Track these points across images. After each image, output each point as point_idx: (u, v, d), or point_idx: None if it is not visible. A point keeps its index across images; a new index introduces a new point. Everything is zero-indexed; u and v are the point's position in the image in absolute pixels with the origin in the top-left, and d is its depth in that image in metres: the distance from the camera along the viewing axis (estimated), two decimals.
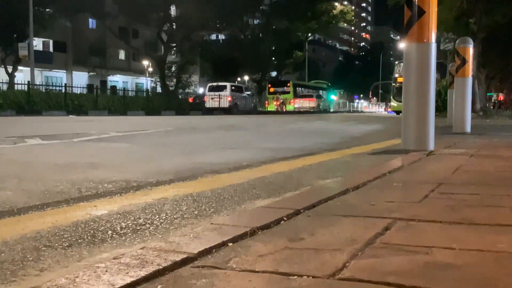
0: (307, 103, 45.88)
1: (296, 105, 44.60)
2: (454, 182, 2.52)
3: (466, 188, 2.31)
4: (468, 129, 7.01)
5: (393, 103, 34.43)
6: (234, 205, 2.26)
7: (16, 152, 4.83)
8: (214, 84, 35.89)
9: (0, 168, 3.58)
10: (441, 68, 19.45)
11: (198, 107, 32.41)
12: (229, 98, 33.07)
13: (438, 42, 18.43)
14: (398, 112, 30.19)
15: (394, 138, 6.59)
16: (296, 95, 46.21)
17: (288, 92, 45.08)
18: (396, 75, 34.60)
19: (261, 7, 49.59)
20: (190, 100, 36.30)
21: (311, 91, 49.45)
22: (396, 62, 36.56)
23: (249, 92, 39.59)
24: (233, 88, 35.24)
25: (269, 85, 47.05)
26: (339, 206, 1.88)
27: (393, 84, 35.14)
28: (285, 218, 1.63)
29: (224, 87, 34.22)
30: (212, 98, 32.86)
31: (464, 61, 6.82)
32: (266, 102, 44.87)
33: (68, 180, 2.94)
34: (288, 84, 46.38)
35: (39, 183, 2.85)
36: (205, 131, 9.43)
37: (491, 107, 32.32)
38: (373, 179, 2.52)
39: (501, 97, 51.31)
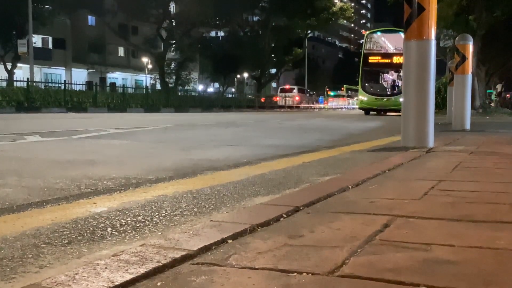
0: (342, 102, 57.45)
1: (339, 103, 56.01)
2: (454, 179, 2.52)
3: (466, 185, 2.31)
4: (467, 126, 7.02)
5: (362, 97, 24.88)
6: (233, 202, 2.26)
7: (15, 149, 4.83)
8: (285, 87, 49.48)
9: None
10: (441, 65, 19.42)
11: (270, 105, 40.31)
12: (297, 98, 45.25)
13: (437, 39, 18.35)
14: (368, 110, 24.48)
15: (394, 135, 6.59)
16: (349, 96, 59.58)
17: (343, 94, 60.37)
18: (366, 51, 25.68)
19: (260, 4, 49.51)
20: (263, 100, 43.54)
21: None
22: (367, 33, 27.57)
23: (311, 93, 53.76)
24: (299, 90, 48.17)
25: (327, 90, 63.66)
26: (338, 203, 1.88)
27: (361, 67, 25.40)
28: (284, 215, 1.63)
29: (293, 89, 47.88)
30: (283, 98, 44.50)
31: (463, 58, 6.81)
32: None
33: (67, 177, 2.94)
34: (343, 88, 63.59)
35: (38, 180, 2.85)
36: (205, 127, 9.43)
37: (491, 105, 31.97)
38: (373, 176, 2.52)
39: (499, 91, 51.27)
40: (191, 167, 3.45)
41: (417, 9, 3.95)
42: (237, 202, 2.25)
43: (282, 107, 41.91)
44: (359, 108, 25.66)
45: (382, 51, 25.97)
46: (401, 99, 19.27)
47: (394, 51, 25.03)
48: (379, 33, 26.99)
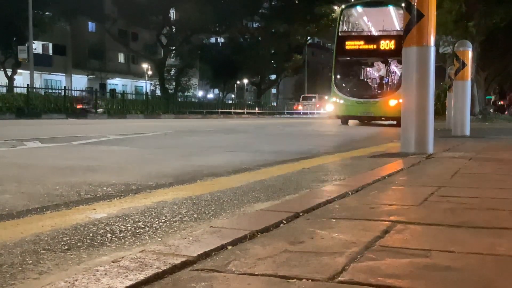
0: None
1: None
2: (454, 185, 2.52)
3: (466, 191, 2.31)
4: (467, 132, 7.02)
5: (335, 100, 16.88)
6: (233, 208, 2.26)
7: (15, 155, 4.83)
8: (306, 95, 51.69)
9: None
10: (441, 71, 19.41)
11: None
12: (317, 105, 47.55)
13: (437, 45, 18.27)
14: (345, 119, 17.07)
15: (393, 141, 6.60)
16: None
17: None
18: (341, 34, 17.25)
19: (260, 11, 49.66)
20: (295, 107, 47.62)
21: None
22: (343, 7, 18.40)
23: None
24: (319, 97, 49.89)
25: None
26: (338, 209, 1.88)
27: (335, 56, 17.33)
28: (284, 221, 1.63)
29: (314, 97, 49.99)
30: (304, 105, 47.36)
31: (463, 65, 6.83)
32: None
33: (67, 183, 2.94)
34: None
35: (38, 186, 2.85)
36: (205, 134, 9.43)
37: (491, 110, 31.93)
38: (373, 182, 2.52)
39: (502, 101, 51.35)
40: (191, 173, 3.45)
41: (416, 15, 3.96)
42: (237, 208, 2.25)
43: (305, 113, 44.84)
44: (335, 116, 17.32)
45: (365, 34, 18.53)
46: (393, 102, 14.59)
47: (382, 33, 17.39)
48: (359, 8, 18.37)
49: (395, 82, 17.91)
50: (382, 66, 19.38)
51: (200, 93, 53.55)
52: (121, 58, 54.48)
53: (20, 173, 3.47)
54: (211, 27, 43.17)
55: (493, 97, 48.19)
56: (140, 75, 51.59)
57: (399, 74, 17.38)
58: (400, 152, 4.17)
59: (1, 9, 28.98)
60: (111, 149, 5.80)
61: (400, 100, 12.29)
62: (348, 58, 17.39)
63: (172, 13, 43.39)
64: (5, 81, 29.58)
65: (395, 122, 14.87)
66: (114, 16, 39.68)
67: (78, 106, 22.68)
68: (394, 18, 17.85)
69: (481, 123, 16.52)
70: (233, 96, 59.67)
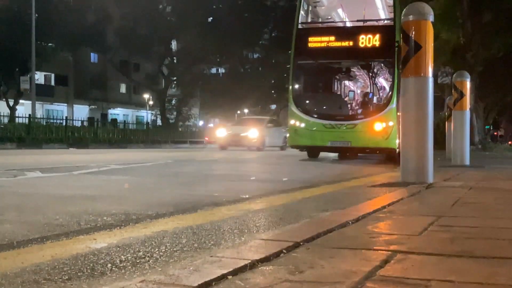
0: None
1: None
2: (454, 214, 2.52)
3: (466, 220, 2.32)
4: (467, 161, 7.03)
5: (294, 122, 11.48)
6: (233, 237, 2.26)
7: (16, 185, 4.83)
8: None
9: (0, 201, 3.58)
10: (439, 101, 19.52)
11: None
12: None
13: (435, 75, 18.38)
14: (311, 150, 12.50)
15: (393, 170, 6.60)
16: None
17: None
18: (301, 27, 12.03)
19: (260, 42, 50.30)
20: None
21: None
22: None
23: None
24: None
25: None
26: (338, 238, 1.88)
27: (293, 58, 11.94)
28: (284, 251, 1.63)
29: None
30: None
31: (461, 95, 6.89)
32: None
33: (67, 212, 2.94)
34: None
35: (38, 215, 2.85)
36: (205, 163, 9.45)
37: (490, 139, 31.97)
38: (373, 212, 2.52)
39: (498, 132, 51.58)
40: (191, 202, 3.46)
41: (414, 47, 4.03)
42: (237, 238, 2.25)
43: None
44: (292, 146, 12.36)
45: (337, 25, 13.34)
46: (379, 125, 10.79)
47: (362, 23, 12.18)
48: None
49: (383, 96, 12.90)
50: (363, 72, 13.79)
51: (201, 123, 53.79)
52: (123, 88, 54.92)
53: (21, 202, 3.47)
54: (212, 58, 43.68)
55: (488, 127, 48.49)
56: (141, 105, 51.93)
57: (389, 84, 12.07)
58: (400, 182, 4.17)
59: (5, 40, 29.38)
60: (111, 178, 5.81)
61: (391, 123, 10.31)
62: (312, 62, 11.85)
63: (174, 44, 43.97)
64: (7, 111, 29.78)
65: (393, 156, 10.19)
66: (116, 47, 40.21)
67: None
68: (379, 2, 13.11)
69: (481, 152, 16.55)
70: None
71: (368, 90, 14.65)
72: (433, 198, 3.23)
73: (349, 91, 14.89)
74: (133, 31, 36.24)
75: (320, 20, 13.49)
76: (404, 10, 4.21)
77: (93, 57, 49.38)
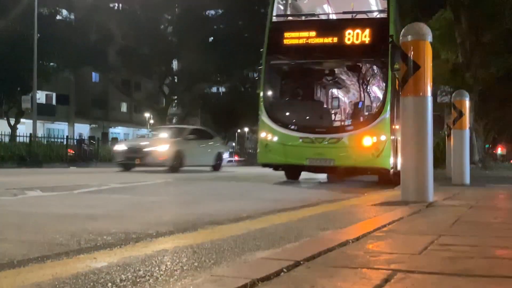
0: None
1: None
2: (454, 233, 2.52)
3: (466, 239, 2.32)
4: (467, 180, 7.03)
5: (265, 135, 9.49)
6: (234, 256, 2.26)
7: (16, 204, 4.83)
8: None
9: (0, 220, 3.58)
10: (439, 120, 19.57)
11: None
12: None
13: (434, 95, 18.45)
14: (286, 168, 10.28)
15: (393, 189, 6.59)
16: None
17: None
18: (276, 21, 10.08)
19: (260, 61, 50.64)
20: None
21: None
22: None
23: None
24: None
25: None
26: (339, 257, 1.88)
27: (265, 58, 9.85)
28: (285, 270, 1.63)
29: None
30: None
31: (460, 114, 6.92)
32: None
33: (67, 231, 2.94)
34: None
35: (38, 234, 2.85)
36: (205, 182, 9.44)
37: (491, 158, 31.94)
38: (373, 230, 2.52)
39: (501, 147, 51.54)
40: (191, 221, 3.46)
41: (412, 67, 4.07)
42: (237, 257, 2.25)
43: None
44: (263, 165, 9.97)
45: (317, 18, 11.31)
46: (369, 140, 8.82)
47: (347, 16, 10.35)
48: None
49: (373, 104, 11.21)
50: (350, 75, 11.49)
51: None
52: (124, 107, 55.13)
53: (21, 221, 3.47)
54: (213, 77, 43.92)
55: (488, 146, 48.55)
56: (142, 123, 52.05)
57: (382, 89, 10.23)
58: (400, 201, 4.17)
59: (7, 59, 29.59)
60: (111, 197, 5.81)
61: (383, 137, 8.71)
62: (288, 62, 10.09)
63: (175, 64, 44.26)
64: (8, 130, 29.84)
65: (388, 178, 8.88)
66: (117, 66, 40.49)
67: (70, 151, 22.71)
68: None
69: (481, 171, 16.53)
70: (234, 144, 59.96)
71: (356, 96, 12.19)
72: (434, 217, 3.23)
73: (333, 97, 12.53)
74: (135, 50, 36.51)
75: (296, 11, 10.99)
76: (403, 30, 4.26)
77: (95, 76, 49.66)
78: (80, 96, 48.29)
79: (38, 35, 25.47)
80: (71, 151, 22.88)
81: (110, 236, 2.79)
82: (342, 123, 11.02)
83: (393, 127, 8.95)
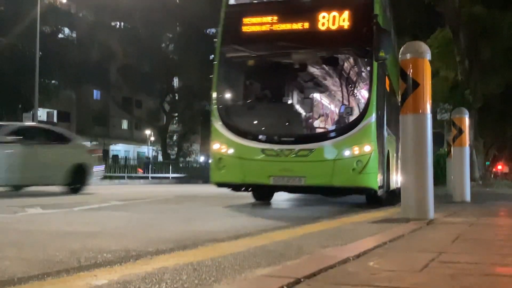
0: None
1: None
2: (455, 250, 2.52)
3: (467, 256, 2.31)
4: (467, 197, 7.02)
5: (219, 147, 7.53)
6: (234, 273, 2.25)
7: (16, 221, 4.83)
8: None
9: (0, 237, 3.57)
10: (439, 137, 19.60)
11: None
12: None
13: (434, 112, 18.51)
14: (256, 190, 8.31)
15: (394, 206, 6.59)
16: None
17: None
18: (231, 2, 8.16)
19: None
20: None
21: None
22: None
23: None
24: None
25: None
26: (339, 274, 1.88)
27: (219, 52, 7.88)
28: (285, 287, 1.63)
29: None
30: None
31: (460, 131, 6.94)
32: None
33: (67, 249, 2.94)
34: None
35: (38, 252, 2.85)
36: (205, 198, 9.43)
37: (491, 175, 31.88)
38: (374, 248, 2.52)
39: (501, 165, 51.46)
40: (191, 238, 3.45)
41: (412, 84, 4.10)
42: (238, 274, 2.24)
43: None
44: (217, 184, 7.82)
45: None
46: (348, 151, 6.77)
47: None
48: None
49: (355, 105, 8.62)
50: (324, 69, 9.20)
51: (201, 158, 53.88)
52: (124, 124, 55.25)
53: (21, 239, 3.46)
54: None
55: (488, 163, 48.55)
56: (143, 140, 52.14)
57: (365, 86, 8.52)
58: (401, 218, 4.17)
59: (9, 77, 29.78)
60: (111, 214, 5.80)
61: (368, 148, 6.83)
62: (247, 55, 8.06)
63: (176, 81, 44.50)
64: None
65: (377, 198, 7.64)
66: (118, 84, 40.69)
67: None
68: None
69: (482, 188, 16.51)
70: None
71: (333, 96, 10.26)
72: (434, 234, 3.22)
73: (304, 98, 9.69)
74: (136, 68, 36.77)
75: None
76: (402, 48, 4.30)
77: (96, 94, 49.88)
78: (81, 114, 48.44)
79: (40, 53, 25.65)
80: None
81: (110, 254, 2.79)
82: (315, 131, 8.75)
83: (381, 134, 7.49)
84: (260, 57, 8.12)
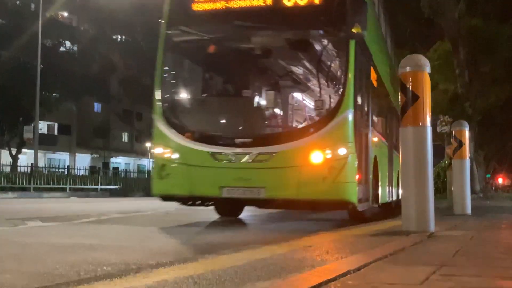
0: None
1: None
2: (455, 263, 2.51)
3: (467, 270, 2.31)
4: (468, 210, 7.01)
5: (162, 149, 6.18)
6: (234, 287, 2.25)
7: (16, 234, 4.82)
8: None
9: (0, 250, 3.56)
10: (439, 149, 19.60)
11: None
12: None
13: (434, 125, 18.54)
14: (219, 204, 7.08)
15: (395, 219, 6.57)
16: None
17: None
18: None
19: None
20: None
21: None
22: None
23: None
24: None
25: None
26: None
27: (165, 37, 6.52)
28: None
29: None
30: None
31: (460, 144, 6.95)
32: None
33: (67, 262, 2.93)
34: None
35: (38, 265, 2.84)
36: (206, 211, 9.40)
37: (492, 188, 31.84)
38: (374, 261, 2.51)
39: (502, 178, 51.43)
40: (192, 251, 3.44)
41: (411, 97, 4.11)
42: (238, 287, 2.23)
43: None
44: (162, 197, 6.40)
45: None
46: (319, 156, 5.45)
47: None
48: None
49: (327, 99, 6.74)
50: (290, 55, 7.40)
51: None
52: (125, 137, 55.32)
53: (21, 252, 3.46)
54: None
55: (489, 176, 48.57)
56: (143, 153, 52.15)
57: (339, 74, 6.46)
58: (402, 231, 4.15)
59: (10, 89, 29.90)
60: (111, 227, 5.79)
61: (343, 151, 5.43)
62: (197, 38, 6.62)
63: None
64: (9, 160, 29.91)
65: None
66: (119, 96, 40.82)
67: None
68: None
69: (483, 201, 16.47)
70: None
71: (300, 87, 8.15)
72: (435, 247, 3.22)
73: (265, 90, 7.58)
74: (137, 80, 36.91)
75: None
76: (402, 61, 4.33)
77: (97, 106, 50.02)
78: (82, 126, 48.54)
79: (41, 66, 25.79)
80: None
81: (110, 267, 2.78)
82: (277, 130, 7.00)
83: (362, 135, 6.32)
84: (212, 40, 6.67)
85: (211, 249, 3.55)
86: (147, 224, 6.32)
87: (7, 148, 35.17)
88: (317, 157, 5.69)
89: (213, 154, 5.95)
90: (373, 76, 7.50)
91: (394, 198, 9.92)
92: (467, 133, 7.08)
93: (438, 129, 19.02)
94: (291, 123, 7.71)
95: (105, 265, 2.84)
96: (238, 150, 5.92)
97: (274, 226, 6.52)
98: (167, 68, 6.67)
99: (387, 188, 8.75)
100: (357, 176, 5.82)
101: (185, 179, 6.03)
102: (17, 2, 33.79)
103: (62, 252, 3.45)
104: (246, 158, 5.84)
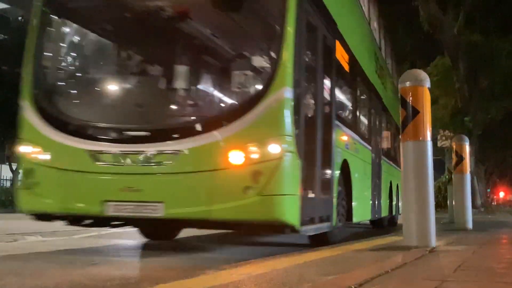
0: None
1: None
2: (458, 278, 2.50)
3: (469, 285, 2.30)
4: (469, 225, 6.99)
5: (30, 148, 4.56)
6: None
7: (16, 249, 4.80)
8: None
9: (0, 266, 3.55)
10: (440, 164, 19.60)
11: None
12: None
13: (434, 139, 18.57)
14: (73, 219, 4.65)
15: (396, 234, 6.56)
16: None
17: None
18: None
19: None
20: None
21: None
22: None
23: None
24: None
25: None
26: None
27: (37, 18, 4.76)
28: None
29: None
30: None
31: (461, 158, 6.95)
32: None
33: (68, 277, 2.92)
34: None
35: (38, 281, 2.83)
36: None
37: (493, 202, 31.75)
38: (376, 276, 2.51)
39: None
40: (192, 266, 3.43)
41: (411, 112, 4.13)
42: None
43: None
44: (35, 216, 4.71)
45: None
46: (239, 155, 3.81)
47: None
48: None
49: (254, 75, 4.66)
50: (202, 16, 4.97)
51: None
52: None
53: (21, 267, 3.45)
54: None
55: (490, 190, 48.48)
56: None
57: (274, 41, 4.16)
58: (403, 246, 4.14)
59: (11, 105, 30.00)
60: (112, 242, 5.77)
61: (275, 148, 3.83)
62: (78, 4, 4.95)
63: None
64: (9, 175, 29.89)
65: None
66: None
67: None
68: None
69: (484, 215, 16.40)
70: None
71: (217, 60, 5.67)
72: (436, 262, 3.21)
73: (166, 65, 5.25)
74: None
75: None
76: (401, 76, 4.35)
77: None
78: None
79: None
80: None
81: (110, 282, 2.77)
82: (182, 119, 4.82)
83: (312, 125, 4.75)
84: (97, 2, 5.05)
85: (212, 263, 3.54)
86: (150, 239, 6.29)
87: (7, 163, 35.18)
88: (236, 157, 3.94)
89: (93, 154, 4.22)
90: (343, 56, 5.88)
91: (386, 214, 9.39)
92: (467, 148, 7.09)
93: (439, 144, 19.04)
94: (202, 110, 5.06)
95: (107, 280, 2.83)
96: (128, 147, 4.16)
97: (280, 238, 6.50)
98: (39, 40, 4.88)
99: (371, 202, 7.60)
100: (300, 186, 4.14)
101: (56, 190, 4.35)
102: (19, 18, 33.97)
103: (63, 267, 3.43)
104: (139, 159, 4.09)
